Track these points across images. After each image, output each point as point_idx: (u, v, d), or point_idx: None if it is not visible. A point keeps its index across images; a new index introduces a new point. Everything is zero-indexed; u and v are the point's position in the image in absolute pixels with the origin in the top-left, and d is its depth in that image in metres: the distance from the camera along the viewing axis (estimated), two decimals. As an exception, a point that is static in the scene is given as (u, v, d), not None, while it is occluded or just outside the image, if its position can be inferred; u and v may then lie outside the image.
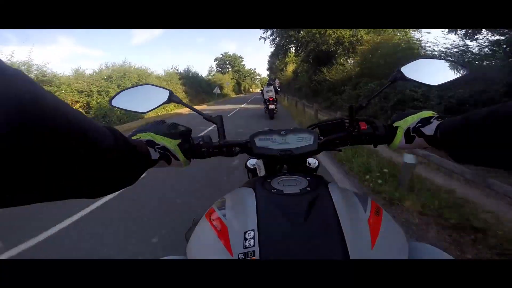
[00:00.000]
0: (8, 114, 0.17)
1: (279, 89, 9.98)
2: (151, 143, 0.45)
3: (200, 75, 25.12)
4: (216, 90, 21.41)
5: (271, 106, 8.56)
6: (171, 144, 0.49)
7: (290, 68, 26.06)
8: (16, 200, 0.21)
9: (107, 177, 0.28)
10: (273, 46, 18.25)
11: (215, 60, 56.15)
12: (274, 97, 8.66)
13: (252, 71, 70.52)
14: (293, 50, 17.64)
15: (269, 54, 39.91)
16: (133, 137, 0.46)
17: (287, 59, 22.68)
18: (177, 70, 20.55)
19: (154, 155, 0.44)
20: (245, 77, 58.59)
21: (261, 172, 0.65)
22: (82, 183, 0.25)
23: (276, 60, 27.55)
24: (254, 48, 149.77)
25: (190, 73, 22.09)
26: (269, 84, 9.03)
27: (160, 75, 17.59)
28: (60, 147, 0.21)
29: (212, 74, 39.02)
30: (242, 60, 58.10)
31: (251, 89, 67.03)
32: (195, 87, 21.32)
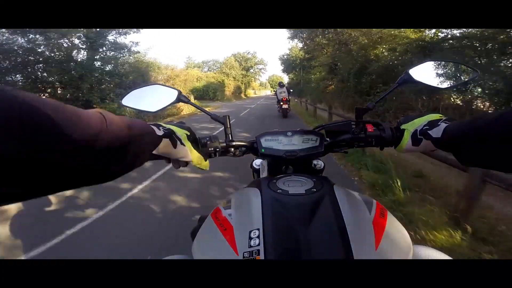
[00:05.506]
0: None
1: (291, 90, 10.75)
2: (156, 125, 0.45)
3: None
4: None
5: (285, 106, 9.43)
6: (179, 131, 0.49)
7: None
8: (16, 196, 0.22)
9: (107, 160, 0.28)
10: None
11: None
12: (287, 97, 9.48)
13: (252, 55, 45.77)
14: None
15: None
16: None
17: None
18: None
19: (159, 132, 0.43)
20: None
21: (264, 173, 0.65)
22: (84, 170, 0.26)
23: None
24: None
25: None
26: (281, 86, 10.04)
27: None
28: (47, 140, 0.21)
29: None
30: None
31: (248, 91, 44.74)
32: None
